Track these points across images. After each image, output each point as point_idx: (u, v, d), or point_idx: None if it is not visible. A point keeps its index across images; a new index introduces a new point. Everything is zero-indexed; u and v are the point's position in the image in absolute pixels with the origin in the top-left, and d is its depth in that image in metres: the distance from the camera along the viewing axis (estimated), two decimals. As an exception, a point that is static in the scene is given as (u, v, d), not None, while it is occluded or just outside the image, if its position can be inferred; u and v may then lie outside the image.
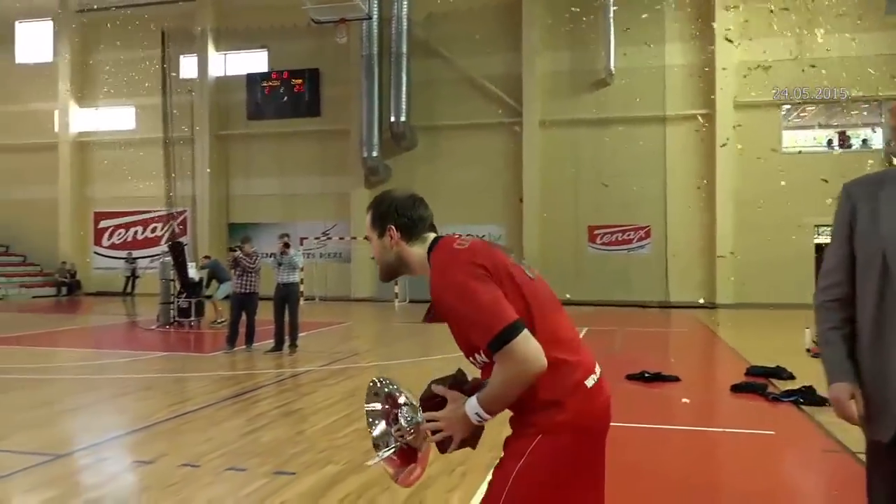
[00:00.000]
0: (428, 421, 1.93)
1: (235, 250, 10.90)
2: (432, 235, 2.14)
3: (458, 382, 2.02)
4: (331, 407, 6.74)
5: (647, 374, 8.17)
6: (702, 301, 20.22)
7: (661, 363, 9.30)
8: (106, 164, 25.03)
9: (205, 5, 24.27)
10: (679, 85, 20.59)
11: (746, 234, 19.83)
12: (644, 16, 20.23)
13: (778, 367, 8.32)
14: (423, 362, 9.67)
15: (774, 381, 7.91)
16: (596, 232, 21.85)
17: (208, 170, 23.98)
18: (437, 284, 1.99)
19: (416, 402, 1.99)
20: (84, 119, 25.72)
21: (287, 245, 10.72)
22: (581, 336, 11.24)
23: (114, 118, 25.45)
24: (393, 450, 2.04)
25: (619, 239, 21.76)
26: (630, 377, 8.21)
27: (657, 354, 11.22)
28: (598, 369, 2.02)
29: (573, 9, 20.97)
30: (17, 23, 25.82)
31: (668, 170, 20.56)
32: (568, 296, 20.91)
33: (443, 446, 1.96)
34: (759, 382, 7.68)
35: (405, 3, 21.99)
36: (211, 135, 24.20)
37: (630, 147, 20.79)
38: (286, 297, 10.58)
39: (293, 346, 10.55)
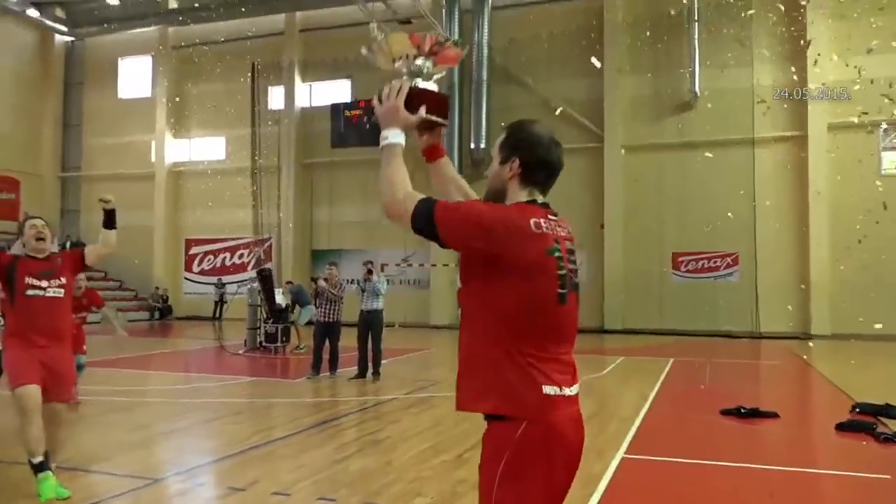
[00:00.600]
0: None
1: (319, 279, 11.11)
2: (540, 199, 2.11)
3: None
4: (417, 436, 6.72)
5: (742, 410, 7.79)
6: (793, 331, 19.30)
7: (757, 398, 8.87)
8: (197, 193, 26.08)
9: (292, 38, 25.16)
10: (767, 107, 19.89)
11: (843, 260, 18.85)
12: (726, 30, 19.72)
13: (888, 404, 7.79)
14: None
15: (884, 419, 7.42)
16: (680, 259, 21.25)
17: (293, 197, 24.66)
18: None
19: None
20: (178, 150, 26.98)
21: (370, 272, 10.85)
22: (664, 368, 10.69)
23: (206, 148, 26.59)
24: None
25: (705, 266, 21.08)
26: (725, 412, 7.84)
27: (751, 388, 10.75)
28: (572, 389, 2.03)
29: (655, 31, 20.71)
30: (120, 59, 27.40)
31: (757, 194, 19.82)
32: (651, 325, 20.48)
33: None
34: (866, 421, 7.21)
35: (486, 30, 22.19)
36: (296, 163, 24.93)
37: (717, 171, 20.19)
38: (370, 324, 10.67)
39: (376, 373, 10.61)
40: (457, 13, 22.40)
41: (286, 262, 24.32)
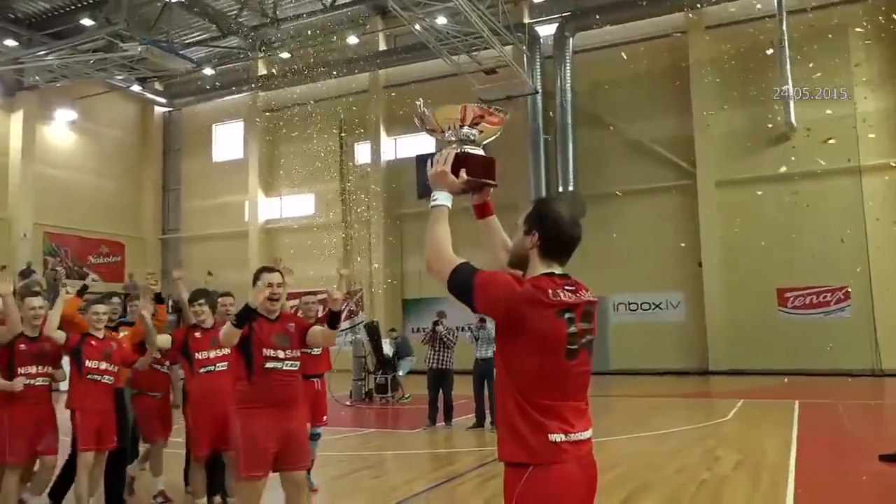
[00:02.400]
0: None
1: (438, 324, 11.09)
2: (558, 270, 2.34)
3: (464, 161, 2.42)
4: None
5: (905, 455, 7.24)
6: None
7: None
8: (289, 248, 26.69)
9: (376, 96, 25.86)
10: (874, 132, 19.10)
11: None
12: (821, 55, 19.14)
13: None
14: (636, 439, 9.19)
15: None
16: (787, 295, 20.35)
17: (383, 248, 25.00)
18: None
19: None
20: (270, 208, 27.87)
21: (483, 319, 10.77)
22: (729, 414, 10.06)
23: (296, 205, 27.37)
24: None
25: (814, 302, 20.11)
26: (884, 458, 7.31)
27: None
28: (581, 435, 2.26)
29: (744, 62, 20.30)
30: (214, 126, 28.74)
31: (867, 224, 18.90)
32: (759, 365, 19.57)
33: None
34: None
35: (568, 74, 22.25)
36: (385, 215, 25.33)
37: (820, 202, 19.39)
38: (485, 372, 10.54)
39: (494, 423, 10.44)
40: (538, 59, 22.60)
41: (378, 313, 24.52)
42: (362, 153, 26.42)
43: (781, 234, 19.86)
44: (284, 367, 4.22)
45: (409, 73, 25.21)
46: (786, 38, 19.64)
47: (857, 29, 19.34)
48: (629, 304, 22.45)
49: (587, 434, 2.29)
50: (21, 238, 24.43)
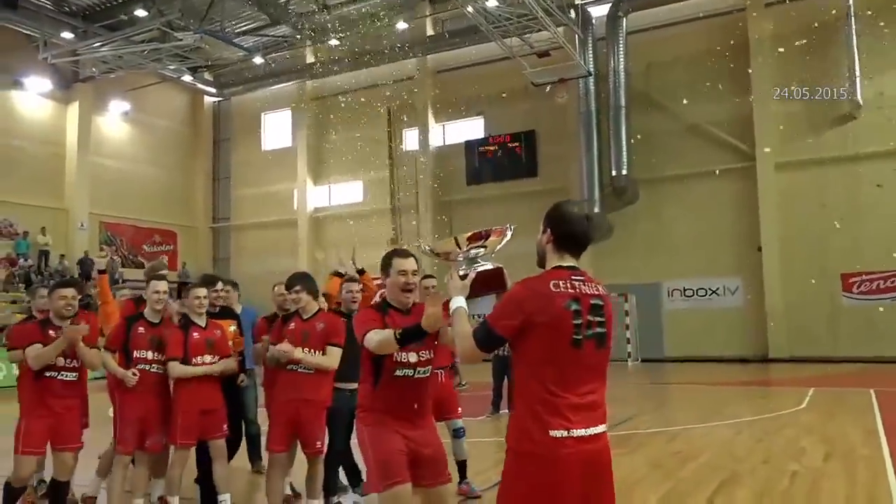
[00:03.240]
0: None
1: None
2: (568, 261, 2.62)
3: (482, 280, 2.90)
4: (646, 480, 6.26)
5: None
6: None
7: None
8: (338, 236, 26.70)
9: (424, 81, 25.65)
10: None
11: None
12: (889, 30, 18.31)
13: None
14: (714, 429, 8.89)
15: None
16: (851, 280, 19.66)
17: (431, 235, 24.85)
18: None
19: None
20: (319, 195, 27.95)
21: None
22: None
23: (344, 193, 27.39)
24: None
25: (881, 287, 19.39)
26: None
27: None
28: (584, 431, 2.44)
29: (807, 39, 19.56)
30: (263, 114, 28.90)
31: (939, 206, 18.11)
32: (823, 352, 18.96)
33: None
34: None
35: (622, 56, 21.76)
36: (434, 201, 25.17)
37: (886, 183, 18.63)
38: (504, 366, 10.39)
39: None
40: (590, 41, 22.11)
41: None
42: (410, 140, 26.30)
43: (845, 218, 19.16)
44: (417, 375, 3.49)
45: (456, 58, 24.96)
46: (852, 10, 18.91)
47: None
48: (684, 290, 21.95)
49: (595, 430, 2.46)
50: (78, 228, 24.95)
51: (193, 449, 5.09)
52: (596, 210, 21.67)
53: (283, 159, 28.16)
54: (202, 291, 5.06)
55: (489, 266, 2.94)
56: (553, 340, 2.44)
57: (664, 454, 7.33)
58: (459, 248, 2.94)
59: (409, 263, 3.62)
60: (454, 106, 25.30)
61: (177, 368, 4.81)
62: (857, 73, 18.96)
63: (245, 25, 25.28)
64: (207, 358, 4.89)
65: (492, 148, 24.80)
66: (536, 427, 2.40)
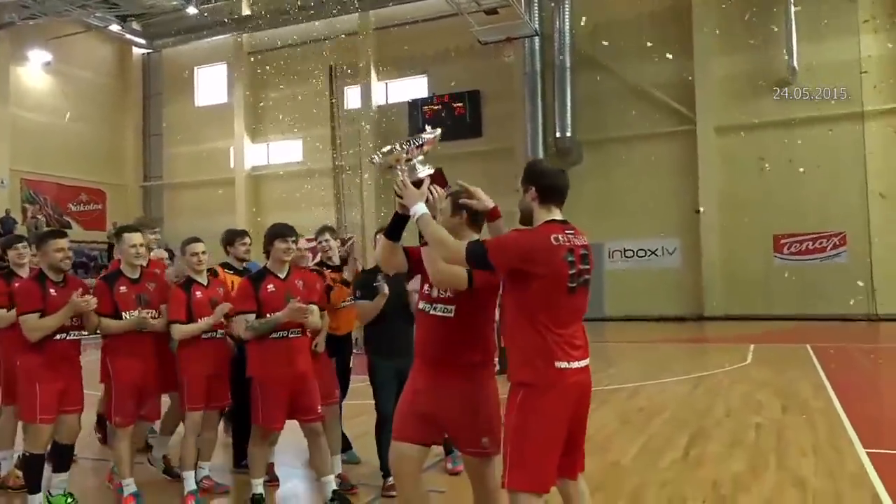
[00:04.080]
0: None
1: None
2: (557, 215, 2.90)
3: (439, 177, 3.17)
4: (616, 434, 6.36)
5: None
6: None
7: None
8: (277, 196, 26.13)
9: (366, 38, 25.03)
10: (876, 78, 18.96)
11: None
12: (831, 12, 18.85)
13: None
14: (669, 384, 9.12)
15: None
16: (783, 241, 20.44)
17: (375, 196, 24.52)
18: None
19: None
20: (257, 154, 27.12)
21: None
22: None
23: (283, 151, 26.67)
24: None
25: (810, 248, 20.23)
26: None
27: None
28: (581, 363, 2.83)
29: (747, 5, 19.93)
30: (196, 68, 27.70)
31: (868, 170, 18.90)
32: (756, 311, 19.72)
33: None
34: None
35: (567, 16, 21.69)
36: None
37: (820, 148, 19.31)
38: None
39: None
40: (537, 1, 21.93)
41: (370, 262, 24.19)
42: (352, 97, 25.71)
43: (779, 181, 19.82)
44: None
45: (400, 14, 24.40)
46: (791, -21, 19.31)
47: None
48: (625, 250, 22.39)
49: (586, 362, 2.84)
50: (-2, 185, 23.56)
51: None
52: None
53: (218, 116, 27.14)
54: (200, 247, 4.69)
55: (430, 170, 3.11)
56: (553, 289, 2.75)
57: (629, 410, 7.47)
58: (406, 155, 3.07)
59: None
60: (398, 64, 24.82)
61: (181, 328, 4.51)
62: (794, 40, 19.46)
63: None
64: (212, 319, 4.58)
65: (436, 107, 24.48)
66: (541, 360, 2.74)
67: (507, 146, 22.85)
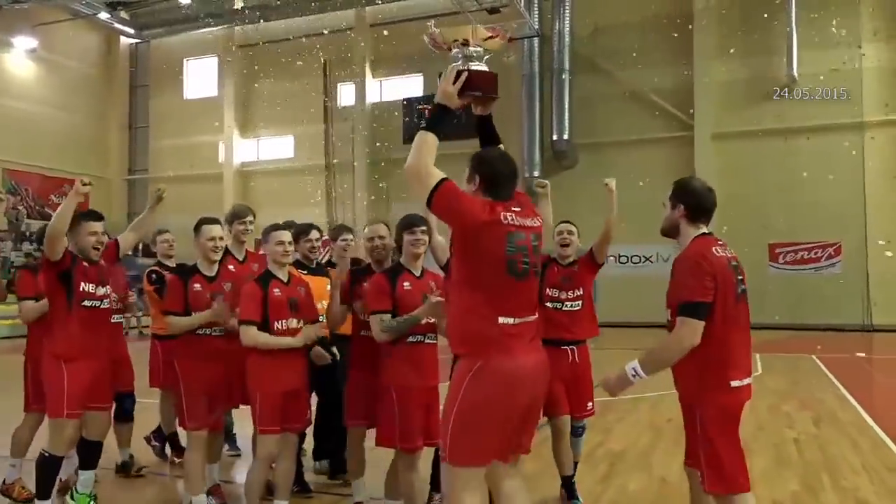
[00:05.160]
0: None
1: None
2: (704, 229, 3.11)
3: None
4: (654, 447, 6.11)
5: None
6: None
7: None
8: (267, 192, 25.65)
9: (362, 34, 24.66)
10: (878, 88, 18.98)
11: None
12: (824, 10, 18.80)
13: None
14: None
15: None
16: (778, 250, 20.42)
17: (367, 194, 24.17)
18: (680, 259, 3.07)
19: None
20: (246, 149, 26.62)
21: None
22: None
23: (274, 147, 26.21)
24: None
25: (805, 258, 20.22)
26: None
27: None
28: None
29: (748, 12, 19.90)
30: (185, 60, 27.13)
31: (866, 181, 18.91)
32: (752, 319, 19.61)
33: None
34: None
35: (567, 19, 21.51)
36: (369, 159, 24.43)
37: (819, 157, 19.29)
38: None
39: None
40: (537, 2, 21.74)
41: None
42: (346, 94, 25.32)
43: (777, 189, 19.79)
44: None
45: (396, 11, 24.07)
46: (792, -12, 19.28)
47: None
48: (619, 256, 22.24)
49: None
50: (-22, 174, 22.85)
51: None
52: (536, 174, 21.59)
53: (207, 109, 26.56)
54: (286, 235, 4.14)
55: (485, 67, 2.85)
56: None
57: (657, 421, 7.24)
58: (465, 42, 2.85)
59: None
60: (393, 62, 24.47)
61: (253, 335, 3.89)
62: (795, 48, 19.43)
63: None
64: (293, 323, 4.02)
65: (431, 106, 24.14)
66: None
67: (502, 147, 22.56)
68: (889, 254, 18.42)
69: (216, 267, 4.30)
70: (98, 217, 4.24)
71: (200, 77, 27.18)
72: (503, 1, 19.19)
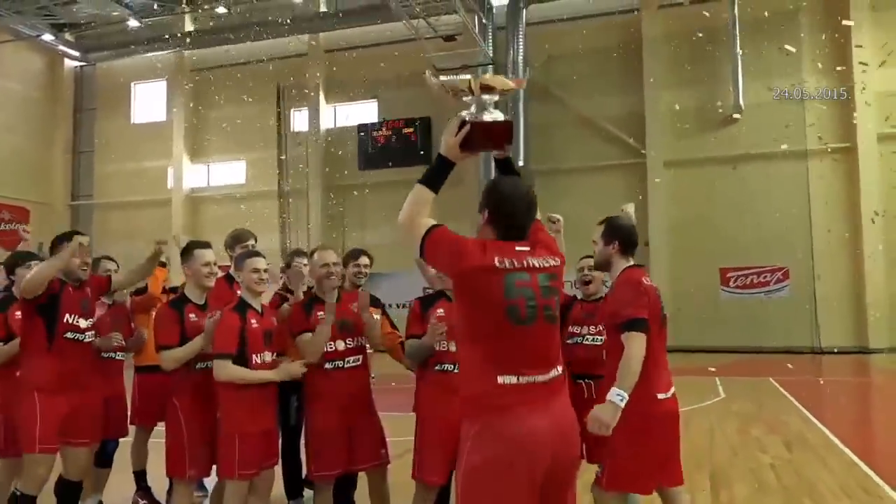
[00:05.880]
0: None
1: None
2: (632, 261, 3.57)
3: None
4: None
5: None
6: (853, 346, 18.94)
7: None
8: (217, 219, 25.05)
9: (316, 59, 24.51)
10: (817, 118, 19.67)
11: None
12: (768, 41, 19.47)
13: None
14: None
15: None
16: (728, 275, 20.83)
17: (321, 221, 23.87)
18: (620, 283, 3.50)
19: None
20: (196, 175, 26.05)
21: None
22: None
23: (225, 173, 25.72)
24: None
25: (755, 282, 20.68)
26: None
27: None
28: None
29: (695, 44, 20.46)
30: (133, 84, 26.52)
31: (812, 207, 19.50)
32: (703, 343, 19.96)
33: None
34: None
35: (521, 46, 21.76)
36: (323, 186, 24.16)
37: (766, 184, 19.86)
38: None
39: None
40: (491, 29, 21.97)
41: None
42: (299, 120, 25.06)
43: (726, 216, 20.24)
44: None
45: (350, 38, 24.00)
46: (737, 20, 19.93)
47: (806, 16, 19.85)
48: (573, 283, 22.20)
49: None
50: None
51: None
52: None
53: (155, 134, 25.95)
54: (261, 262, 3.90)
55: (500, 117, 2.63)
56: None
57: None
58: (472, 91, 2.60)
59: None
60: (347, 87, 24.37)
61: (231, 370, 3.62)
62: (740, 78, 20.04)
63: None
64: (267, 356, 3.79)
65: (386, 133, 24.10)
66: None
67: (457, 173, 21.56)
68: (819, 276, 19.12)
69: (205, 295, 4.06)
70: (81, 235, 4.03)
71: (149, 101, 26.57)
72: (458, 29, 19.30)
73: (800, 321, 19.54)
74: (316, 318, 3.87)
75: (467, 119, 2.55)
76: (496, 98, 2.63)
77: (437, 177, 2.60)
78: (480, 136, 2.56)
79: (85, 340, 3.96)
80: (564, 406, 2.49)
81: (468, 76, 2.61)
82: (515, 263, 2.45)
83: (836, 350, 18.65)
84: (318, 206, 23.98)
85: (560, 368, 2.51)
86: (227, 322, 3.71)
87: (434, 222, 2.56)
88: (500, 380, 2.36)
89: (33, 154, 25.73)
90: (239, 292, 3.98)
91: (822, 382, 12.97)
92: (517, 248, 2.50)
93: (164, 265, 5.24)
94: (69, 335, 3.83)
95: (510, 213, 2.55)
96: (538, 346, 2.44)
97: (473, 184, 22.14)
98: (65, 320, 3.83)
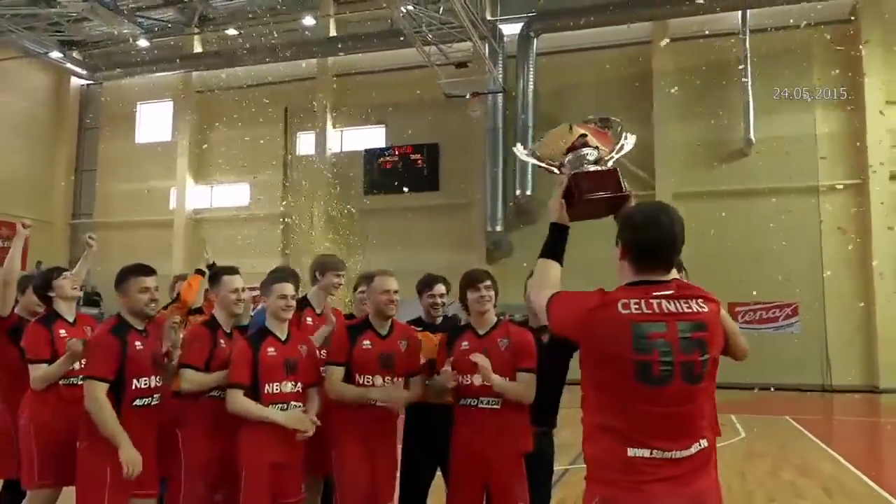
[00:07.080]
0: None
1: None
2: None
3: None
4: None
5: None
6: (863, 384, 18.63)
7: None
8: (220, 241, 24.74)
9: (324, 83, 24.44)
10: (829, 154, 19.57)
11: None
12: (780, 75, 19.45)
13: None
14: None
15: None
16: (738, 309, 20.53)
17: (325, 245, 23.57)
18: None
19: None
20: (200, 196, 25.83)
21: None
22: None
23: (228, 195, 25.50)
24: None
25: (763, 318, 20.41)
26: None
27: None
28: None
29: (706, 77, 20.44)
30: (139, 104, 26.41)
31: (823, 243, 19.31)
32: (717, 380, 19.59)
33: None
34: None
35: (531, 76, 21.73)
36: (329, 210, 23.93)
37: (776, 219, 19.65)
38: None
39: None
40: (500, 58, 21.93)
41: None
42: (305, 144, 24.90)
43: (736, 250, 20.00)
44: None
45: (359, 63, 24.00)
46: (748, 55, 19.94)
47: (818, 51, 19.83)
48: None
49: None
50: None
51: None
52: (499, 228, 21.50)
53: (160, 154, 25.76)
54: (289, 288, 3.73)
55: (601, 167, 2.46)
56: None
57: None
58: (586, 143, 2.43)
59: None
60: (354, 112, 24.26)
61: (240, 402, 3.46)
62: (752, 112, 19.98)
63: (124, 3, 22.87)
64: (287, 386, 3.57)
65: (393, 158, 23.97)
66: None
67: (464, 201, 22.49)
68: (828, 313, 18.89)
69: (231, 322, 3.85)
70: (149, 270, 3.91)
71: (154, 121, 26.44)
72: (469, 56, 19.23)
73: (810, 358, 19.22)
74: (361, 347, 3.60)
75: (569, 173, 2.37)
76: (596, 152, 2.44)
77: (554, 246, 2.49)
78: (590, 186, 2.38)
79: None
80: (707, 488, 2.13)
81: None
82: (647, 309, 2.11)
83: (847, 388, 18.31)
84: (322, 230, 23.71)
85: (706, 441, 2.14)
86: (240, 351, 3.55)
87: (559, 289, 2.39)
88: (630, 452, 2.04)
89: (35, 171, 25.52)
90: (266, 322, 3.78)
91: (841, 421, 12.62)
92: (654, 292, 2.17)
93: (201, 273, 4.91)
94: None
95: (648, 246, 2.25)
96: (676, 413, 2.08)
97: (480, 214, 22.05)
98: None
